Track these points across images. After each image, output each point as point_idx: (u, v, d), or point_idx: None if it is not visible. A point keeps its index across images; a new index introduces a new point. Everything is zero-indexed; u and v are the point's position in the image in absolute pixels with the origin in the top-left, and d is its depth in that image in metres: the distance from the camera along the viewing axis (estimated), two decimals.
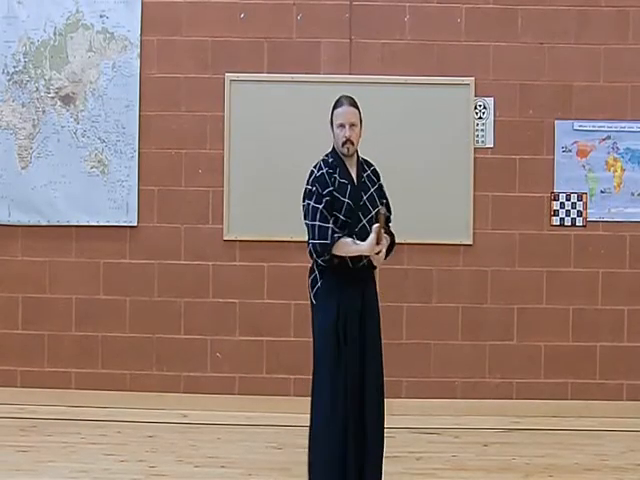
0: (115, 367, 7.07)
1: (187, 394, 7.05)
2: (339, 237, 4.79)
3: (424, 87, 7.00)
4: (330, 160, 4.95)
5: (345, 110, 4.93)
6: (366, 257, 4.86)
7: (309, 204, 4.87)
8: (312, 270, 4.98)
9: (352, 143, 4.93)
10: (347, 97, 5.00)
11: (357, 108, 4.96)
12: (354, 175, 4.97)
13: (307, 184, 4.93)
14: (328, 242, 4.78)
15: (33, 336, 7.10)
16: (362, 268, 4.91)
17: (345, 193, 4.89)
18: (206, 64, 7.07)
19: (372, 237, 4.77)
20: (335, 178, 4.89)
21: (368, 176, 5.03)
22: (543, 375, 7.03)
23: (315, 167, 4.95)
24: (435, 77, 7.02)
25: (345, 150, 4.92)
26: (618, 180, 7.05)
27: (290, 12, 7.05)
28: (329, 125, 4.99)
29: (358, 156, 5.03)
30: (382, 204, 5.00)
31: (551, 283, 7.04)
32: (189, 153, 7.07)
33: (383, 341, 4.99)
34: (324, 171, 4.90)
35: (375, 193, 5.02)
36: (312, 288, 4.95)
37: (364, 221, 4.90)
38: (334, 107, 4.97)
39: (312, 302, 4.96)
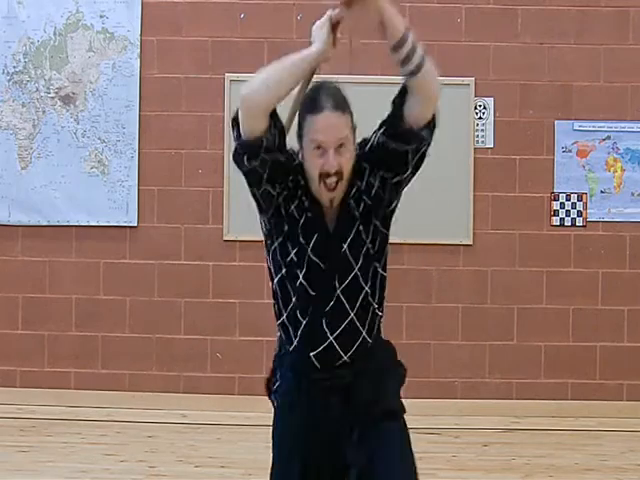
0: (115, 367, 7.06)
1: (187, 394, 7.04)
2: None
3: None
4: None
5: (327, 121, 2.77)
6: (349, 343, 2.85)
7: None
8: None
9: (341, 176, 2.77)
10: (328, 93, 2.85)
11: (345, 110, 2.84)
12: (330, 221, 2.88)
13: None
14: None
15: (33, 336, 7.09)
16: (344, 365, 2.82)
17: (310, 240, 2.89)
18: (206, 64, 7.07)
19: (325, 25, 2.93)
20: (303, 201, 2.89)
21: (355, 197, 2.88)
22: (543, 375, 7.02)
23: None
24: None
25: (324, 193, 2.80)
26: (618, 180, 7.05)
27: (290, 12, 7.05)
28: (295, 136, 2.92)
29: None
30: (378, 141, 2.89)
31: (551, 283, 7.03)
32: (189, 153, 7.07)
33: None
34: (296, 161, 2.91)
35: (365, 212, 2.88)
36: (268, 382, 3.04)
37: (338, 290, 2.87)
38: (307, 110, 2.83)
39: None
